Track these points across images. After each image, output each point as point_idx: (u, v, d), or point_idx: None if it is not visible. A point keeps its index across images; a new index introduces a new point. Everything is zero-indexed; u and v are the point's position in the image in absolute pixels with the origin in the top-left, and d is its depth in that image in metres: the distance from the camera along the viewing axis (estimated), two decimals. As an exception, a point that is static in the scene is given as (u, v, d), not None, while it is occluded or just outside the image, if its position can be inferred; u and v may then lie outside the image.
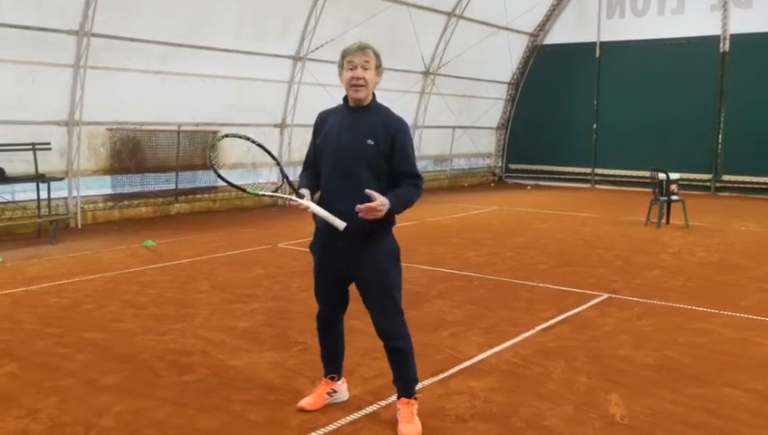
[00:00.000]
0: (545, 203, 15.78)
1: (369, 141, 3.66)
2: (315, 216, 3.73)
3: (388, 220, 3.72)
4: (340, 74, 3.76)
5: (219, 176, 3.93)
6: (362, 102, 3.74)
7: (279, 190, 4.05)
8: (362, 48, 3.71)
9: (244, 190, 3.92)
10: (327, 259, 3.86)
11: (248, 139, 4.00)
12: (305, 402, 4.10)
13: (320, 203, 3.76)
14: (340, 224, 3.64)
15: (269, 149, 4.04)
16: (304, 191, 3.74)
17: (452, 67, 18.49)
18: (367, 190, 3.52)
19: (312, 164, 3.91)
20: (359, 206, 3.51)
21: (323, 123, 3.87)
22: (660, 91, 18.73)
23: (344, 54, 3.73)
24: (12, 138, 10.42)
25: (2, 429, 3.84)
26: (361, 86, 3.68)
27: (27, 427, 3.87)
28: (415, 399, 3.86)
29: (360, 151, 3.66)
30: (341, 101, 3.86)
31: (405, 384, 3.85)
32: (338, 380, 4.17)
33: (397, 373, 3.86)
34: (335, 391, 4.16)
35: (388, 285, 3.77)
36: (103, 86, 11.50)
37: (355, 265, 3.77)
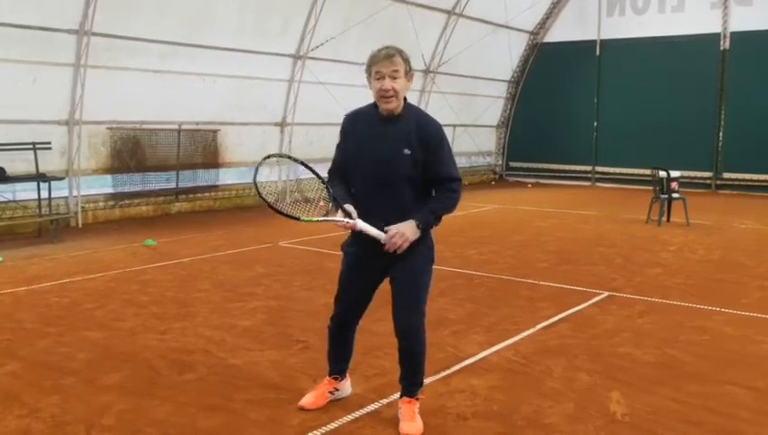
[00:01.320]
0: (546, 201, 15.78)
1: (406, 151, 3.56)
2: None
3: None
4: (369, 81, 3.62)
5: (271, 207, 3.66)
6: (394, 112, 3.62)
7: (323, 208, 3.73)
8: (390, 56, 3.54)
9: (297, 219, 3.67)
10: (364, 259, 3.78)
11: (291, 158, 3.86)
12: (306, 401, 4.08)
13: (359, 215, 3.65)
14: (384, 237, 3.59)
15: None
16: (350, 208, 3.59)
17: (452, 65, 18.48)
18: (387, 228, 3.47)
19: (341, 168, 3.79)
20: (386, 241, 3.50)
21: (353, 127, 3.75)
22: (661, 88, 18.72)
23: (371, 63, 3.59)
24: (12, 137, 10.42)
25: (3, 427, 3.85)
26: (391, 96, 3.54)
27: (29, 426, 3.87)
28: (417, 399, 3.85)
29: (398, 163, 3.56)
30: (372, 103, 3.70)
31: (410, 385, 3.82)
32: (341, 380, 4.15)
33: (405, 374, 3.83)
34: (337, 390, 4.15)
35: (416, 286, 3.72)
36: (104, 85, 11.50)
37: (391, 266, 3.71)
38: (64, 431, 3.81)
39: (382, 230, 3.59)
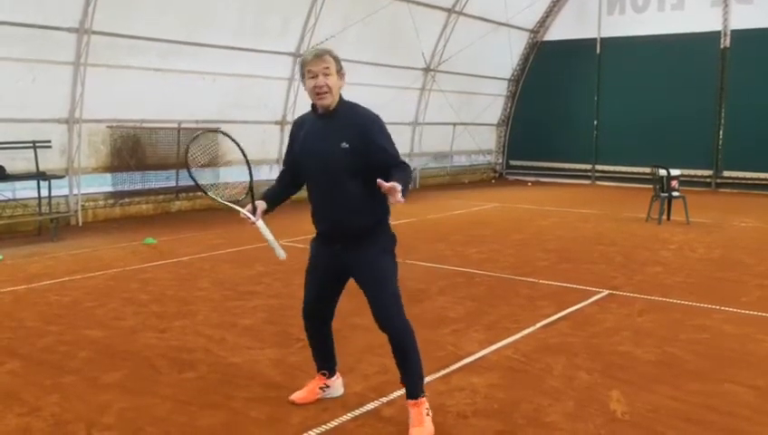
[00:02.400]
0: (546, 200, 15.78)
1: (344, 145, 3.64)
2: (313, 218, 3.77)
3: (379, 216, 3.76)
4: (303, 83, 3.74)
5: (191, 176, 4.05)
6: (329, 108, 3.72)
7: (238, 196, 4.07)
8: (319, 55, 3.66)
9: (205, 193, 4.00)
10: (324, 258, 3.88)
11: (221, 132, 4.14)
12: (297, 396, 4.13)
13: (313, 214, 3.86)
14: (281, 254, 3.77)
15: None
16: (260, 203, 3.80)
17: (452, 64, 18.46)
18: (378, 181, 3.38)
19: (289, 170, 3.96)
20: (382, 183, 3.35)
21: (299, 131, 3.87)
22: (661, 87, 18.71)
23: (303, 64, 3.70)
24: (12, 136, 10.43)
25: (4, 426, 3.85)
26: (325, 93, 3.65)
27: (29, 424, 3.87)
28: (423, 398, 3.79)
29: (337, 158, 3.64)
30: (310, 106, 3.82)
31: (411, 382, 3.80)
32: (330, 376, 4.17)
33: (402, 370, 3.83)
34: (328, 386, 4.17)
35: (382, 282, 3.75)
36: (104, 84, 11.49)
37: (351, 263, 3.78)
38: (65, 430, 3.81)
39: (335, 227, 3.73)
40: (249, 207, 3.82)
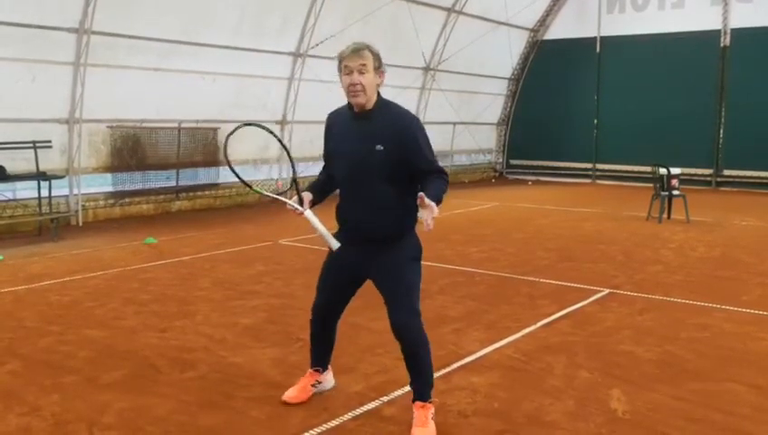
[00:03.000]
0: (546, 199, 15.78)
1: (379, 147, 3.53)
2: (338, 218, 3.73)
3: (407, 223, 3.66)
4: (340, 78, 3.61)
5: (232, 170, 3.90)
6: (365, 107, 3.60)
7: (286, 190, 4.00)
8: (357, 50, 3.52)
9: (250, 187, 3.88)
10: (345, 258, 3.76)
11: (260, 126, 4.06)
12: (289, 395, 4.10)
13: (338, 210, 3.75)
14: (334, 244, 3.64)
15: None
16: (306, 194, 3.68)
17: (452, 63, 18.47)
18: (420, 195, 3.30)
19: (328, 166, 3.85)
20: (423, 198, 3.28)
21: (332, 127, 3.78)
22: (661, 85, 18.71)
23: (340, 58, 3.57)
24: (13, 136, 10.42)
25: (4, 426, 3.85)
26: (359, 91, 3.51)
27: (29, 424, 3.87)
28: (430, 403, 3.77)
29: (371, 160, 3.54)
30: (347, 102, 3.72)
31: (421, 388, 3.76)
32: (323, 372, 4.16)
33: (413, 377, 3.78)
34: (320, 383, 4.16)
35: (403, 285, 3.67)
36: (103, 84, 11.49)
37: (375, 266, 3.70)
38: (65, 430, 3.81)
39: (360, 228, 3.64)
40: (295, 198, 3.71)
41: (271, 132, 4.04)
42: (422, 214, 3.33)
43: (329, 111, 3.90)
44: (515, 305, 6.42)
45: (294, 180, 3.83)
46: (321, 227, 3.61)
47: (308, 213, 3.65)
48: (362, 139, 3.58)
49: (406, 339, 3.68)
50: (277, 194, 3.91)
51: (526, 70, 21.45)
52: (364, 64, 3.52)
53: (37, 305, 6.40)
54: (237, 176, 3.92)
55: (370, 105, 3.61)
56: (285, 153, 3.93)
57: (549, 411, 4.04)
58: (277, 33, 14.06)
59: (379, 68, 3.59)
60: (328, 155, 3.82)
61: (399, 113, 3.63)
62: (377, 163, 3.55)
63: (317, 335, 4.08)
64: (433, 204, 3.31)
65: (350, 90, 3.54)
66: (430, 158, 3.61)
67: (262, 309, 6.26)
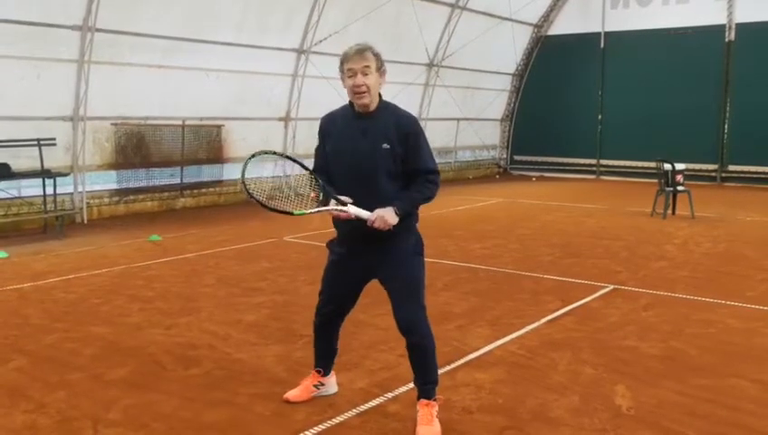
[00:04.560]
0: (550, 194, 15.76)
1: (385, 145, 3.59)
2: (336, 220, 3.69)
3: (407, 219, 3.67)
4: (342, 80, 3.65)
5: (263, 205, 3.62)
6: (369, 108, 3.64)
7: (315, 199, 3.65)
8: (360, 52, 3.57)
9: (290, 213, 3.62)
10: (349, 259, 3.79)
11: (276, 153, 3.88)
12: (291, 394, 4.11)
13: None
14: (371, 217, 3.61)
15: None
16: (345, 198, 3.60)
17: (456, 59, 18.44)
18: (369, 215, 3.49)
19: (325, 170, 3.76)
20: (370, 223, 3.53)
21: (331, 127, 3.77)
22: (665, 81, 18.65)
23: (343, 61, 3.61)
24: (17, 133, 10.45)
25: (10, 422, 3.87)
26: (364, 93, 3.56)
27: (35, 421, 3.89)
28: (435, 400, 3.78)
29: (377, 157, 3.59)
30: (348, 103, 3.73)
31: (425, 385, 3.77)
32: (325, 374, 4.16)
33: (417, 373, 3.79)
34: (322, 384, 4.16)
35: (408, 281, 3.71)
36: (107, 81, 11.52)
37: (378, 264, 3.73)
38: (71, 426, 3.82)
39: (363, 228, 3.60)
40: (333, 202, 3.61)
41: (297, 162, 3.79)
42: (372, 217, 3.52)
43: (332, 108, 3.89)
44: (519, 302, 6.42)
45: (321, 186, 3.63)
46: (365, 213, 3.58)
47: (352, 209, 3.60)
48: (367, 137, 3.63)
49: (412, 335, 3.70)
50: (318, 206, 3.66)
51: (530, 65, 21.40)
52: (368, 66, 3.57)
53: (43, 303, 6.43)
54: (274, 209, 3.64)
55: (374, 106, 3.66)
56: (303, 168, 3.69)
57: (553, 407, 4.04)
58: (281, 29, 14.06)
59: (380, 68, 3.65)
60: (326, 154, 3.80)
61: (403, 114, 3.71)
62: (382, 160, 3.60)
63: (319, 335, 4.09)
64: (385, 222, 3.53)
65: (356, 91, 3.58)
66: (427, 159, 3.69)
67: (266, 306, 6.27)
